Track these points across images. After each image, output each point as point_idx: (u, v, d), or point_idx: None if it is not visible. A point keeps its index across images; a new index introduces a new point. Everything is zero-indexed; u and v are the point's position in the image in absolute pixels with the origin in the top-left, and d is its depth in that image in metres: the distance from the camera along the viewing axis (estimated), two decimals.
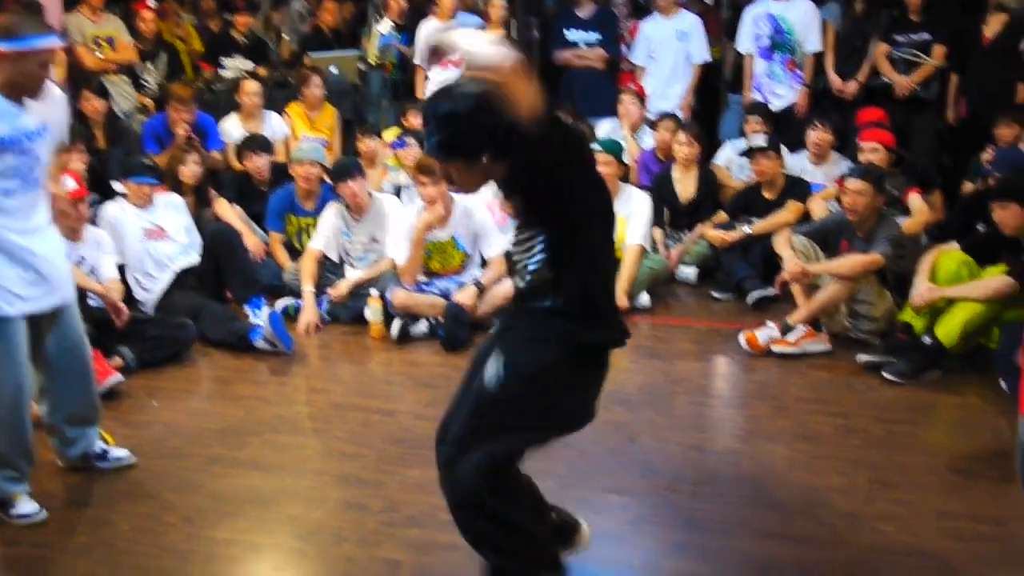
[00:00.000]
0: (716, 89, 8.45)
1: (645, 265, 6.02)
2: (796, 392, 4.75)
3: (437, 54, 2.54)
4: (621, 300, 5.77)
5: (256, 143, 6.83)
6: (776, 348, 5.16)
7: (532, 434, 2.72)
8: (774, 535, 3.40)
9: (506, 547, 2.70)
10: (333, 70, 8.17)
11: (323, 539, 3.45)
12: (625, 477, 3.87)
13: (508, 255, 2.82)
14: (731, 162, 7.19)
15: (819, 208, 6.17)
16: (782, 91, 7.50)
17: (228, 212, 6.42)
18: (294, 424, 4.53)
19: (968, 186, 6.63)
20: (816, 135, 6.73)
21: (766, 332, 5.20)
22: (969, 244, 5.05)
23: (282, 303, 5.94)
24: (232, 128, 7.39)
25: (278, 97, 7.99)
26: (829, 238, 5.43)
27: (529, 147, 2.46)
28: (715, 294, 6.22)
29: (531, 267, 2.69)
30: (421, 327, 5.56)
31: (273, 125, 7.50)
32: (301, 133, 7.60)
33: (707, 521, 3.51)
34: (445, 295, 5.65)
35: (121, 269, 5.56)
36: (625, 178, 6.55)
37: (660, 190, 6.75)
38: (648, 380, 4.93)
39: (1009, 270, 4.67)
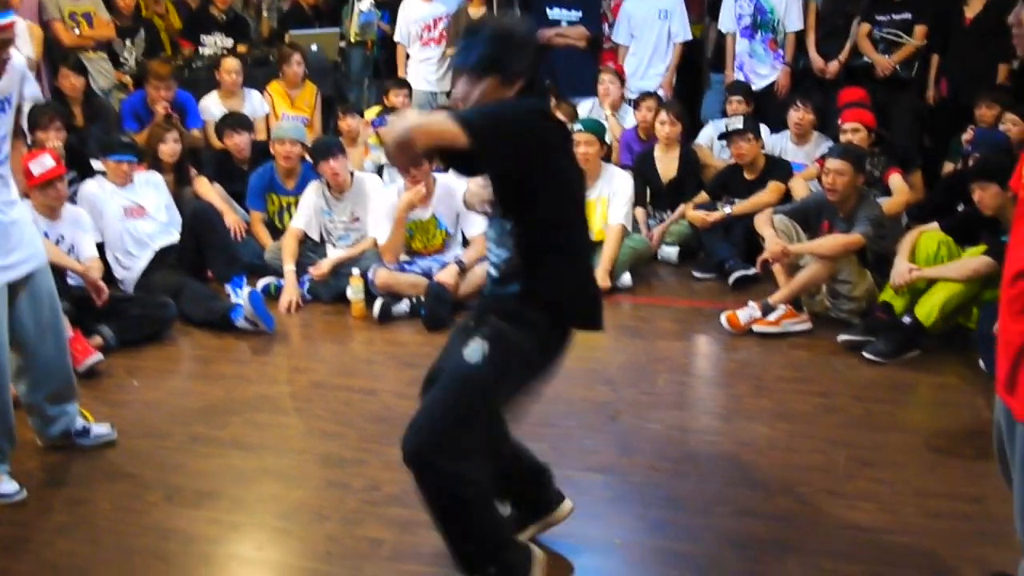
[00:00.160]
0: (698, 68, 8.46)
1: (627, 245, 6.02)
2: (776, 371, 4.77)
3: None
4: (603, 280, 5.78)
5: (236, 121, 6.80)
6: (757, 328, 5.18)
7: (491, 406, 2.76)
8: (754, 513, 3.42)
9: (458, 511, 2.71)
10: (313, 48, 8.12)
11: (305, 518, 3.45)
12: (606, 456, 3.88)
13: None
14: (713, 142, 7.19)
15: (800, 188, 6.18)
16: (764, 70, 7.51)
17: (208, 191, 6.38)
18: (275, 403, 4.52)
19: (948, 166, 6.67)
20: (797, 115, 6.74)
21: (747, 312, 5.22)
22: (949, 224, 5.07)
23: (263, 282, 5.92)
24: (212, 106, 7.35)
25: (258, 75, 7.94)
26: (810, 218, 5.44)
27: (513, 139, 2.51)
28: (696, 274, 6.23)
29: (503, 255, 2.72)
30: (403, 306, 5.55)
31: (253, 103, 7.47)
32: (281, 111, 7.57)
33: (688, 499, 3.53)
34: (427, 274, 5.64)
35: (100, 248, 5.53)
36: (607, 158, 6.55)
37: (642, 169, 6.75)
38: (629, 359, 4.94)
39: (988, 250, 4.69)
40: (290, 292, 5.72)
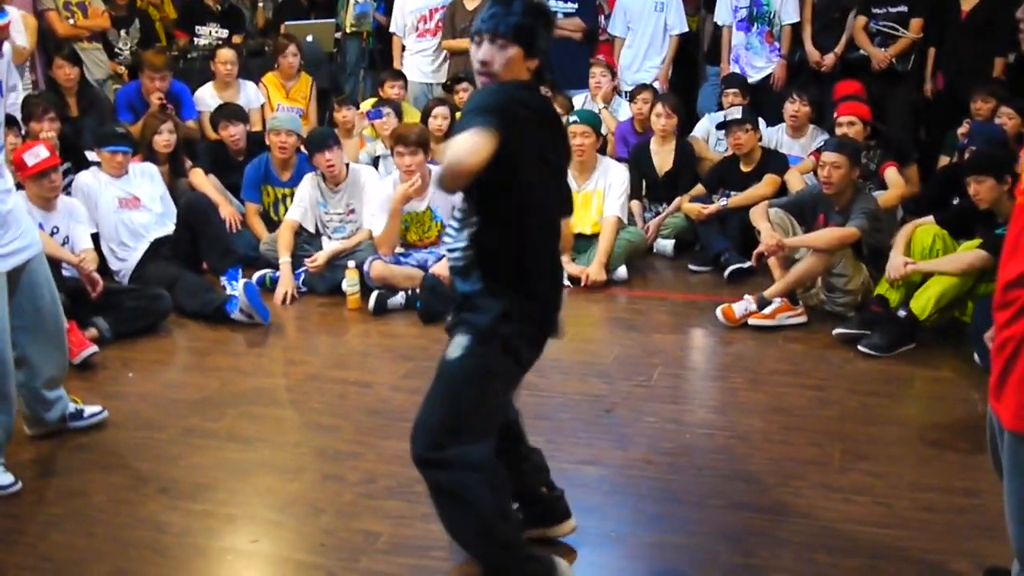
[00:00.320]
0: (694, 61, 8.45)
1: (622, 237, 6.02)
2: (772, 364, 4.77)
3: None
4: (598, 273, 5.78)
5: (231, 112, 6.77)
6: (752, 321, 5.17)
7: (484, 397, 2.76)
8: (749, 506, 3.43)
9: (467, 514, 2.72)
10: (309, 39, 8.09)
11: (300, 511, 3.45)
12: (601, 449, 3.88)
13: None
14: (709, 134, 7.19)
15: (796, 181, 6.18)
16: (760, 63, 7.50)
17: (203, 182, 6.37)
18: (271, 396, 4.52)
19: (944, 160, 6.67)
20: (793, 107, 6.74)
21: (743, 305, 5.22)
22: (945, 218, 5.08)
23: (258, 274, 5.91)
24: (207, 97, 7.34)
25: (253, 66, 7.93)
26: (806, 211, 5.45)
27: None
28: (692, 267, 6.23)
29: (458, 247, 2.72)
30: (398, 299, 5.54)
31: (248, 94, 7.45)
32: (277, 102, 7.56)
33: (683, 493, 3.53)
34: (422, 267, 5.64)
35: (95, 239, 5.52)
36: (603, 150, 6.55)
37: (638, 162, 6.75)
38: (625, 352, 4.94)
39: (984, 244, 4.70)
40: (285, 284, 5.71)
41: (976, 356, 4.53)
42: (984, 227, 4.84)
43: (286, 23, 8.30)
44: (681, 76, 8.13)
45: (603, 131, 6.55)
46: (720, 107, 7.16)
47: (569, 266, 5.82)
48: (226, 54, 7.40)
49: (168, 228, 5.86)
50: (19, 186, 4.58)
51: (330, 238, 6.03)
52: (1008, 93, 6.51)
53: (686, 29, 7.87)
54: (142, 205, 5.80)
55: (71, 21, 7.45)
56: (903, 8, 7.11)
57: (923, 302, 4.76)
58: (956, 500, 3.45)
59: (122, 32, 7.90)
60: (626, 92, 7.59)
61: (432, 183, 5.75)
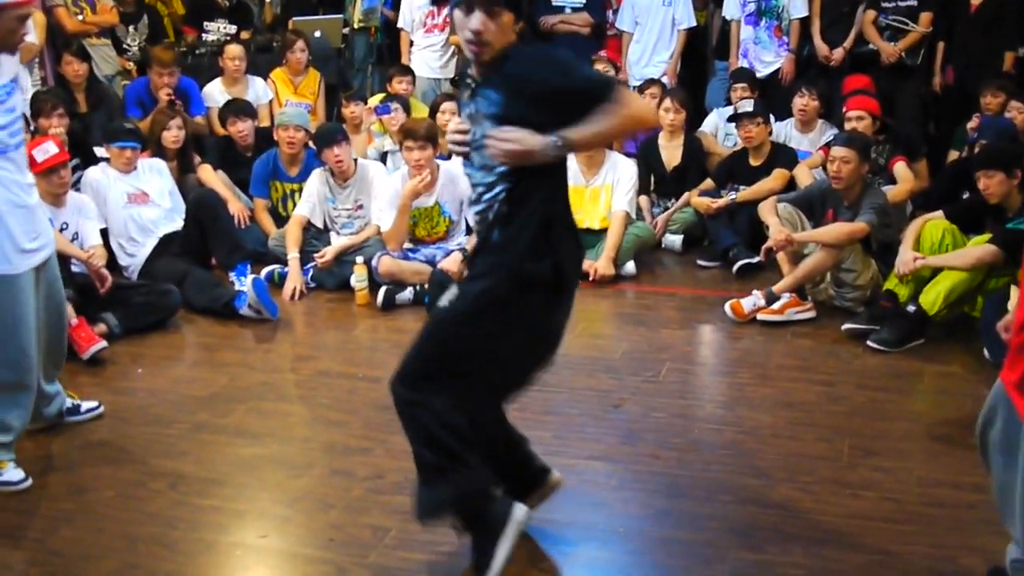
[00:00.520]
0: (702, 56, 8.42)
1: (631, 232, 6.01)
2: (780, 360, 4.77)
3: None
4: (607, 268, 5.78)
5: (239, 108, 6.78)
6: (761, 316, 5.17)
7: (486, 365, 2.83)
8: (757, 502, 3.42)
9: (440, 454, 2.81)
10: (317, 34, 8.10)
11: (309, 506, 3.45)
12: (609, 444, 3.88)
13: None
14: (717, 129, 7.18)
15: (805, 176, 6.16)
16: (768, 57, 7.47)
17: (212, 178, 6.38)
18: (279, 391, 4.53)
19: (953, 154, 6.64)
20: (802, 102, 6.72)
21: (751, 300, 5.21)
22: (954, 212, 5.06)
23: (267, 270, 5.92)
24: (215, 93, 7.34)
25: (261, 62, 7.93)
26: (815, 206, 5.43)
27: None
28: (701, 262, 6.22)
29: (488, 213, 2.77)
30: (406, 294, 5.54)
31: (257, 90, 7.46)
32: (285, 98, 7.56)
33: (691, 488, 3.53)
34: (431, 262, 5.64)
35: (104, 235, 5.53)
36: (610, 145, 6.54)
37: (646, 157, 6.74)
38: (633, 347, 4.94)
39: (993, 238, 4.68)
40: (294, 280, 5.72)
41: (986, 351, 4.51)
42: (994, 221, 4.83)
43: (294, 19, 8.30)
44: (689, 71, 8.11)
45: None
46: (728, 102, 7.14)
47: None
48: (234, 50, 7.40)
49: (177, 224, 5.87)
50: None
51: (338, 234, 6.03)
52: (1018, 87, 6.48)
53: (694, 24, 7.85)
54: (151, 201, 5.81)
55: (80, 17, 7.46)
56: (912, 2, 7.08)
57: (932, 297, 4.75)
58: (965, 495, 3.44)
59: (130, 28, 7.91)
60: (634, 87, 7.57)
61: (439, 179, 5.75)
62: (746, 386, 4.48)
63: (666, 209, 6.63)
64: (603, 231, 6.00)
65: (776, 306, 5.17)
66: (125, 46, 7.89)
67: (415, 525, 3.26)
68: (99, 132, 6.31)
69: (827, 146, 5.74)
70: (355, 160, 6.07)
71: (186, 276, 5.52)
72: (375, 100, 7.33)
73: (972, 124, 6.35)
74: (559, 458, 3.42)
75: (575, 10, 7.77)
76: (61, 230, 5.05)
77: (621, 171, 6.12)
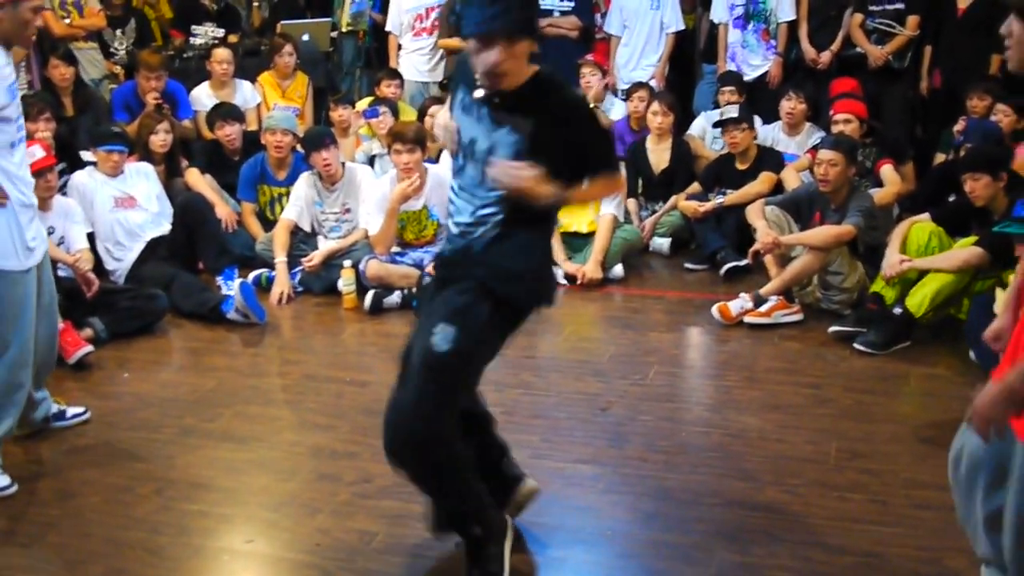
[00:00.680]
0: (690, 59, 8.43)
1: (618, 236, 6.02)
2: (767, 362, 4.78)
3: None
4: (594, 271, 5.78)
5: (227, 111, 6.77)
6: (748, 319, 5.18)
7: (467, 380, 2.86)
8: (745, 504, 3.43)
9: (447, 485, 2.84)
10: (305, 38, 8.09)
11: (296, 510, 3.45)
12: (597, 447, 3.88)
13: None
14: (705, 132, 7.19)
15: (792, 179, 6.18)
16: (756, 61, 7.49)
17: (199, 181, 6.36)
18: (267, 395, 4.52)
19: (940, 157, 6.66)
20: (789, 105, 6.74)
21: (739, 303, 5.22)
22: (940, 215, 5.08)
23: (254, 274, 5.90)
24: (203, 96, 7.32)
25: (249, 65, 7.92)
26: (802, 209, 5.45)
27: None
28: (688, 265, 6.23)
29: (477, 228, 2.78)
30: (394, 298, 5.54)
31: (244, 93, 7.44)
32: (273, 102, 7.55)
33: (679, 491, 3.53)
34: (418, 266, 5.64)
35: (91, 239, 5.51)
36: None
37: (634, 160, 6.75)
38: (621, 350, 4.94)
39: (980, 241, 4.70)
40: (281, 284, 5.71)
41: (972, 353, 4.53)
42: (980, 224, 4.85)
43: (282, 22, 8.30)
44: (677, 74, 8.13)
45: None
46: (716, 105, 7.15)
47: (565, 264, 5.83)
48: (222, 53, 7.39)
49: (164, 228, 5.85)
50: None
51: (326, 237, 6.02)
52: (1004, 90, 6.51)
53: (682, 27, 7.86)
54: (138, 205, 5.79)
55: (67, 21, 7.44)
56: (900, 5, 7.10)
57: (919, 299, 4.76)
58: (951, 497, 3.43)
59: (118, 32, 7.90)
60: (622, 90, 7.58)
61: (428, 182, 5.75)
62: (733, 389, 4.49)
63: (654, 212, 6.64)
64: (591, 235, 6.00)
65: (763, 309, 5.18)
66: (112, 50, 7.88)
67: (402, 529, 3.27)
68: (86, 136, 6.29)
69: (814, 149, 5.76)
70: (343, 164, 6.07)
71: (173, 280, 5.50)
72: (363, 104, 7.32)
73: (958, 127, 6.37)
74: (547, 461, 3.42)
75: (563, 13, 7.77)
76: (48, 234, 5.01)
77: None
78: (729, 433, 4.00)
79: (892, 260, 4.89)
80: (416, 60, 8.02)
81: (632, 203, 6.65)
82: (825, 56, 7.30)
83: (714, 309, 5.24)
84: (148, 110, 6.67)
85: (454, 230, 2.85)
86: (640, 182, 6.78)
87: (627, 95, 7.26)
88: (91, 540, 3.28)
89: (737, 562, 3.10)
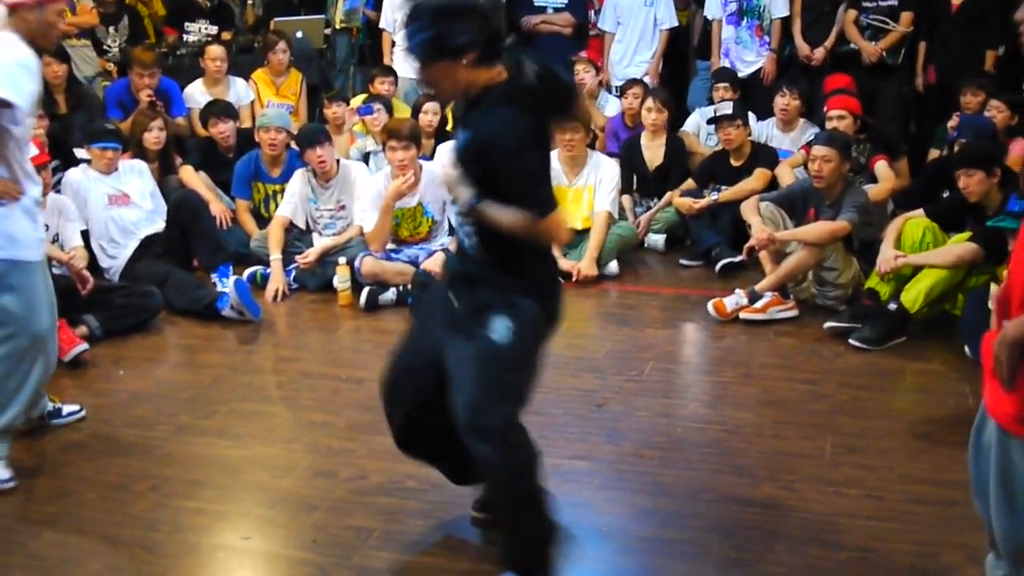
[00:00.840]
0: (684, 55, 8.44)
1: (614, 232, 6.02)
2: (763, 358, 4.78)
3: None
4: (589, 268, 5.78)
5: (221, 109, 6.75)
6: (743, 315, 5.18)
7: (527, 384, 2.81)
8: (740, 500, 3.43)
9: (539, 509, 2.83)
10: (298, 35, 8.07)
11: (292, 507, 3.45)
12: (593, 443, 3.88)
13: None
14: (699, 129, 7.19)
15: (787, 175, 6.19)
16: (750, 57, 7.49)
17: (193, 179, 6.35)
18: (262, 392, 4.51)
19: (934, 153, 6.67)
20: (783, 101, 6.74)
21: (734, 299, 5.22)
22: (935, 211, 5.09)
23: (249, 271, 5.89)
24: (196, 94, 7.31)
25: (243, 62, 7.90)
26: (796, 205, 5.45)
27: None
28: (683, 261, 6.23)
29: (472, 237, 2.74)
30: (389, 295, 5.54)
31: (238, 91, 7.43)
32: (266, 99, 7.53)
33: (674, 487, 3.53)
34: (413, 262, 5.64)
35: (85, 236, 5.50)
36: (592, 145, 6.55)
37: (629, 157, 6.75)
38: (616, 347, 4.95)
39: (974, 236, 4.71)
40: (276, 281, 5.70)
41: (966, 348, 4.54)
42: (974, 220, 4.86)
43: (276, 19, 8.27)
44: (671, 71, 8.13)
45: (592, 127, 6.56)
46: (711, 101, 7.16)
47: (560, 261, 5.82)
48: (215, 50, 7.37)
49: (158, 225, 5.84)
50: None
51: (321, 234, 6.02)
52: (998, 86, 6.52)
53: (676, 24, 7.86)
54: (132, 202, 5.78)
55: None
56: (893, 2, 7.11)
57: (914, 295, 4.77)
58: (947, 492, 3.45)
59: (111, 29, 7.88)
60: (616, 87, 7.58)
61: (422, 179, 5.74)
62: (729, 385, 4.49)
63: (648, 209, 6.64)
64: (586, 231, 6.00)
65: (758, 305, 5.19)
66: (105, 47, 7.85)
67: (399, 525, 3.27)
68: (79, 133, 6.27)
69: (808, 145, 5.76)
70: (337, 161, 6.06)
71: (168, 278, 5.49)
72: (357, 101, 7.31)
73: (952, 123, 6.38)
74: (542, 458, 3.40)
75: (557, 10, 7.79)
76: None
77: (603, 171, 6.13)
78: (725, 429, 4.00)
79: (887, 256, 4.89)
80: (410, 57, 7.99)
81: (627, 200, 6.65)
82: (819, 52, 7.31)
83: (709, 305, 5.24)
84: (142, 107, 6.66)
85: (466, 242, 2.81)
86: (635, 179, 6.78)
87: (621, 92, 7.26)
88: (87, 537, 3.28)
89: (733, 558, 3.11)
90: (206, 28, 8.11)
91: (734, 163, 6.41)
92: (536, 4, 7.79)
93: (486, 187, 2.63)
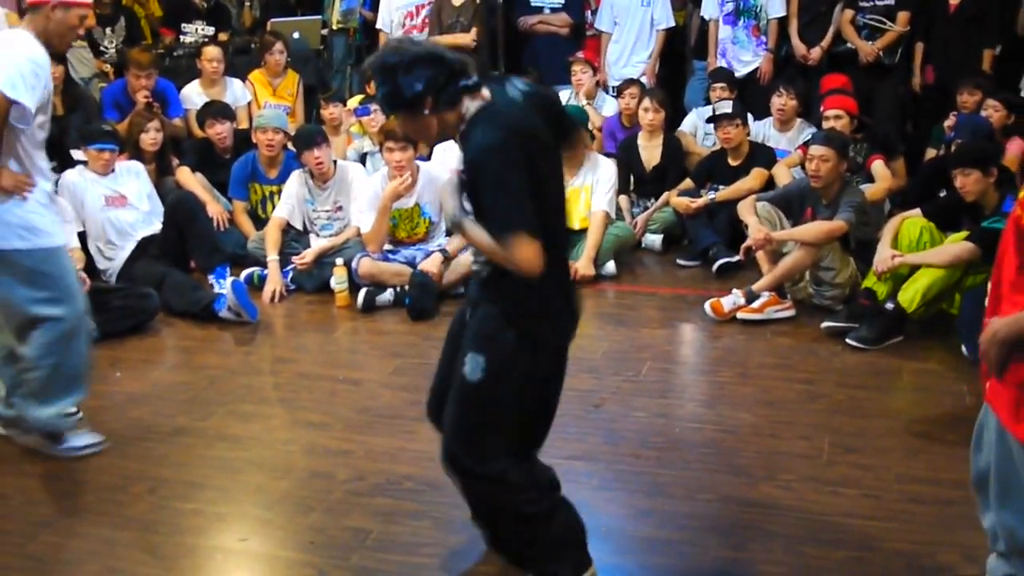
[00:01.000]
0: (681, 55, 8.44)
1: (611, 232, 6.02)
2: (760, 358, 4.78)
3: None
4: (587, 268, 5.78)
5: (217, 110, 6.75)
6: (741, 315, 5.18)
7: (512, 420, 2.79)
8: (738, 500, 3.44)
9: (528, 537, 2.84)
10: (295, 35, 8.07)
11: (290, 508, 3.45)
12: (590, 444, 3.88)
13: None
14: (696, 129, 7.20)
15: (784, 175, 6.19)
16: (746, 57, 7.49)
17: (190, 180, 6.35)
18: (259, 394, 4.51)
19: (931, 153, 6.68)
20: (780, 101, 6.75)
21: (731, 299, 5.23)
22: (931, 210, 5.09)
23: (246, 272, 5.90)
24: (193, 95, 7.31)
25: (240, 63, 7.90)
26: (793, 205, 5.45)
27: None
28: (680, 261, 6.23)
29: (478, 256, 2.74)
30: (387, 296, 5.54)
31: (235, 92, 7.42)
32: (263, 100, 7.53)
33: (672, 487, 3.54)
34: (411, 263, 5.63)
35: (82, 238, 5.50)
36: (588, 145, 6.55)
37: (626, 157, 6.75)
38: (614, 347, 4.95)
39: (970, 236, 4.71)
40: (273, 282, 5.70)
41: (964, 348, 4.54)
42: (971, 219, 4.86)
43: (272, 20, 8.27)
44: (668, 71, 8.13)
45: (589, 127, 6.57)
46: (707, 101, 7.16)
47: None
48: (212, 51, 7.37)
49: (155, 227, 5.84)
50: None
51: (318, 235, 6.02)
52: (994, 85, 6.52)
53: (673, 24, 7.86)
54: (129, 204, 5.78)
55: None
56: (890, 1, 7.10)
57: (911, 295, 4.77)
58: (944, 492, 3.46)
59: (107, 30, 7.86)
60: (613, 87, 7.58)
61: (419, 180, 5.74)
62: (726, 385, 4.49)
63: (646, 209, 6.64)
64: (583, 231, 6.00)
65: (756, 305, 5.19)
66: (102, 48, 7.84)
67: (396, 526, 3.27)
68: (76, 135, 6.26)
69: (805, 145, 5.77)
70: (334, 162, 6.06)
71: (165, 279, 5.49)
72: (354, 102, 7.30)
73: (949, 123, 6.39)
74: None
75: (554, 11, 7.79)
76: None
77: (601, 171, 6.14)
78: (722, 429, 4.01)
79: (884, 255, 4.90)
80: None
81: (624, 200, 6.65)
82: (815, 52, 7.31)
83: (706, 305, 5.24)
84: (138, 108, 6.65)
85: (475, 267, 2.81)
86: (632, 179, 6.78)
87: (618, 92, 7.25)
88: (85, 540, 3.28)
89: (731, 558, 3.11)
90: (203, 29, 8.10)
91: (732, 163, 6.41)
92: (533, 4, 7.79)
93: (476, 206, 2.64)
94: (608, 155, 6.69)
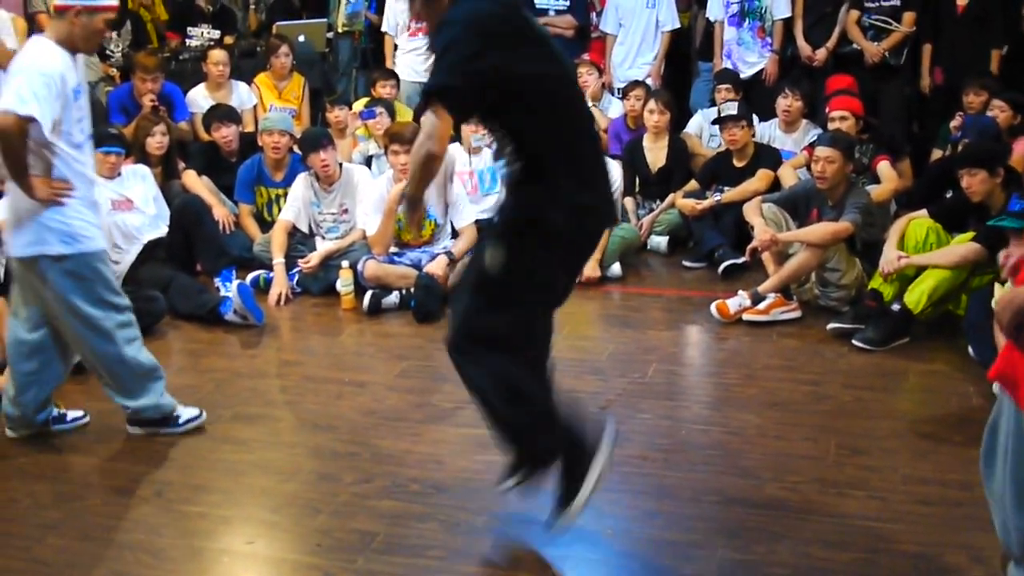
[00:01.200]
0: (686, 57, 8.44)
1: (616, 234, 6.01)
2: (766, 360, 4.78)
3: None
4: (592, 270, 5.78)
5: (223, 113, 6.76)
6: (747, 316, 5.18)
7: (522, 308, 2.95)
8: (744, 502, 3.43)
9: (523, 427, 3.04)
10: (301, 39, 8.08)
11: (296, 511, 3.45)
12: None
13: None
14: (702, 130, 7.19)
15: (789, 176, 6.18)
16: (752, 58, 7.49)
17: (196, 183, 6.36)
18: (265, 397, 4.51)
19: (937, 153, 6.66)
20: (786, 102, 6.74)
21: (737, 301, 5.22)
22: (938, 211, 5.08)
23: (252, 275, 5.90)
24: (199, 98, 7.32)
25: (245, 67, 7.91)
26: (799, 206, 5.45)
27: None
28: (686, 263, 6.23)
29: (508, 169, 2.93)
30: (392, 298, 5.54)
31: (241, 95, 7.44)
32: (269, 103, 7.54)
33: (678, 489, 3.53)
34: (416, 266, 5.64)
35: None
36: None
37: (631, 159, 6.75)
38: (619, 349, 4.94)
39: (977, 236, 4.70)
40: (279, 285, 5.71)
41: (970, 349, 4.53)
42: (977, 220, 4.85)
43: (278, 23, 8.28)
44: (673, 72, 8.13)
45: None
46: (713, 103, 7.15)
47: None
48: (218, 55, 7.38)
49: (161, 230, 5.84)
50: None
51: (324, 238, 6.02)
52: (1001, 85, 6.51)
53: (678, 25, 7.86)
54: (135, 207, 5.78)
55: None
56: (896, 2, 7.09)
57: (917, 296, 4.76)
58: (951, 493, 3.45)
59: (113, 34, 7.88)
60: (619, 89, 7.58)
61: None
62: (732, 386, 4.49)
63: (651, 211, 6.64)
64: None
65: (761, 306, 5.19)
66: (108, 52, 7.86)
67: (403, 529, 3.27)
68: None
69: (811, 146, 5.75)
70: (340, 164, 6.07)
71: (171, 282, 5.50)
72: (360, 104, 7.31)
73: (955, 123, 6.37)
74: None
75: (559, 13, 7.78)
76: None
77: None
78: (728, 430, 4.00)
79: (890, 256, 4.89)
80: (412, 60, 8.01)
81: (629, 202, 6.65)
82: (821, 53, 7.30)
83: (712, 307, 5.24)
84: (144, 112, 6.66)
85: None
86: (637, 180, 6.78)
87: (623, 94, 7.26)
88: (91, 543, 3.28)
89: (737, 560, 3.10)
90: (208, 33, 8.12)
91: (737, 164, 6.41)
92: (538, 6, 7.78)
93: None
94: (613, 157, 6.69)
